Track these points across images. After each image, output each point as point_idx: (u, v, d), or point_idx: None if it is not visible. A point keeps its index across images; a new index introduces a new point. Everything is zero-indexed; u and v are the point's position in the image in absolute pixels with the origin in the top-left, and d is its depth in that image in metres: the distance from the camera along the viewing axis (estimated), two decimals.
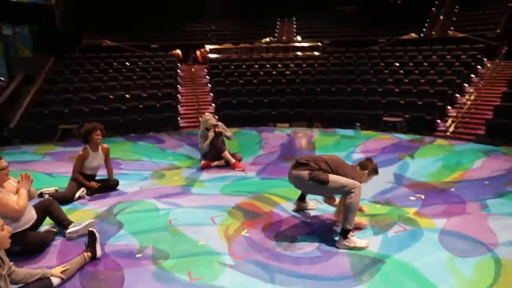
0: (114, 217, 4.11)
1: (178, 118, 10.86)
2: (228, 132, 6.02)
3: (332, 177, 3.36)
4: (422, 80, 10.77)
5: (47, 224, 3.77)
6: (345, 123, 9.59)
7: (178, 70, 14.20)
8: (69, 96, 11.01)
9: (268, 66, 13.76)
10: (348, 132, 8.67)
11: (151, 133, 9.58)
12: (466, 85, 10.64)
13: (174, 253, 3.31)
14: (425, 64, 11.77)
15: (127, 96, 11.35)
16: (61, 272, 2.85)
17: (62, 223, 3.67)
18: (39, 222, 3.59)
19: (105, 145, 5.00)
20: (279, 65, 13.79)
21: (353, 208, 3.31)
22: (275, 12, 19.93)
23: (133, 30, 18.17)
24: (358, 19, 18.66)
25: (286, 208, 4.28)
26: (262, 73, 13.19)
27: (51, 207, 3.68)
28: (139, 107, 10.84)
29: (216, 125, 5.89)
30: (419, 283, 2.78)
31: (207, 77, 13.94)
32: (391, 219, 3.88)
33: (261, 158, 6.46)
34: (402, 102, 10.02)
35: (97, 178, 5.01)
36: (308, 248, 3.37)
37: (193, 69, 14.44)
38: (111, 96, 11.21)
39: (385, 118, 8.89)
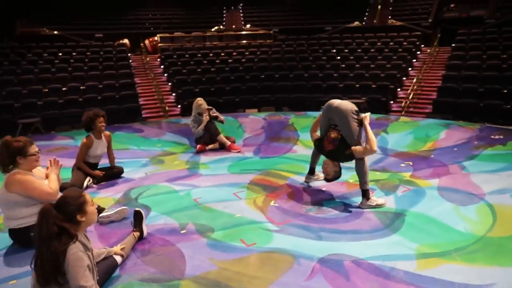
0: (136, 201, 4.15)
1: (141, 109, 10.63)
2: (221, 116, 6.20)
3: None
4: (372, 65, 11.73)
5: None
6: (310, 106, 10.17)
7: (130, 60, 13.74)
8: (16, 89, 10.16)
9: (223, 54, 13.89)
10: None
11: (115, 124, 9.27)
12: (410, 69, 11.84)
13: (216, 226, 3.51)
14: (372, 50, 12.78)
15: (82, 87, 10.80)
16: (121, 250, 2.93)
17: None
18: None
19: (107, 132, 4.94)
20: (234, 53, 14.00)
21: (366, 170, 3.79)
22: (220, 0, 19.98)
23: (71, 18, 17.07)
24: (301, 8, 19.47)
25: (298, 180, 4.65)
26: (218, 61, 13.31)
27: None
28: (98, 98, 10.40)
29: (210, 109, 6.03)
30: (440, 227, 3.35)
31: (162, 67, 13.70)
32: (394, 182, 4.45)
33: (249, 140, 6.73)
34: (358, 85, 10.88)
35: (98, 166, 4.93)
36: (336, 210, 3.79)
37: (147, 59, 14.05)
38: (64, 88, 10.58)
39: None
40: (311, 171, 4.54)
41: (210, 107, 6.10)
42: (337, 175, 4.03)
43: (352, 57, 12.51)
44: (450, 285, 2.55)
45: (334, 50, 13.17)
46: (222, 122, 6.17)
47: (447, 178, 4.52)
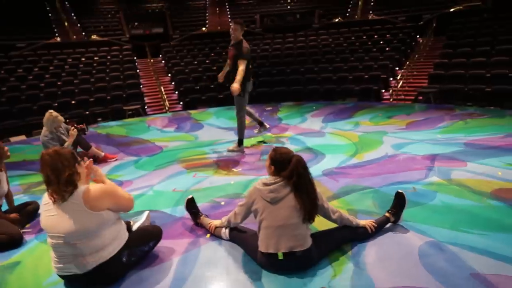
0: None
1: None
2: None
3: None
4: (107, 78, 12.08)
5: None
6: (107, 117, 9.88)
7: None
8: None
9: None
10: (121, 122, 9.15)
11: None
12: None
13: (237, 191, 3.96)
14: (95, 64, 12.99)
15: None
16: None
17: None
18: None
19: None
20: None
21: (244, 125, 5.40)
22: None
23: None
24: None
25: (218, 155, 5.42)
26: None
27: None
28: None
29: (69, 122, 5.14)
30: (334, 147, 5.48)
31: None
32: (271, 139, 6.14)
33: (104, 150, 6.05)
34: (124, 95, 11.08)
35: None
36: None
37: None
38: None
39: (125, 107, 10.02)
40: (261, 123, 5.81)
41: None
42: None
43: (94, 71, 12.34)
44: (381, 158, 4.72)
45: (67, 66, 12.61)
46: (86, 134, 5.41)
47: (291, 130, 6.74)
